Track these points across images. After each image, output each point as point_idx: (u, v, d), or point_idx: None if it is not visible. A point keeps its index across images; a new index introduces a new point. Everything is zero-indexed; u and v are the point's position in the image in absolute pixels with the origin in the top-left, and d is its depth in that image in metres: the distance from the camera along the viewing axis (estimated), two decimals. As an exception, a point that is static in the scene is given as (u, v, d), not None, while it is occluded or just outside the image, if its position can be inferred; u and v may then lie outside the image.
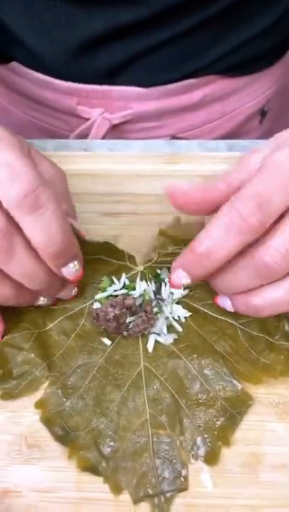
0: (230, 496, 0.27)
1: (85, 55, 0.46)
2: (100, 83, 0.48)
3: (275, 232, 0.26)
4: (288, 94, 0.56)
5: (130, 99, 0.49)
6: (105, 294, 0.33)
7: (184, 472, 0.27)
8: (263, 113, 0.54)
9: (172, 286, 0.29)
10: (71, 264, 0.29)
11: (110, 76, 0.48)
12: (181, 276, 0.28)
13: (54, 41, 0.45)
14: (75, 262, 0.29)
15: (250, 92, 0.52)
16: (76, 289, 0.32)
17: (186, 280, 0.28)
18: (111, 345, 0.31)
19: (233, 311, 0.29)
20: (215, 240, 0.26)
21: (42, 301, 0.32)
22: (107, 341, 0.31)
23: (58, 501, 0.27)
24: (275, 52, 0.52)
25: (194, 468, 0.28)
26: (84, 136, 0.50)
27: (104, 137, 0.50)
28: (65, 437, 0.28)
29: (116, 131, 0.51)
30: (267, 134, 0.55)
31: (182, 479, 0.27)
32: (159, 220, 0.39)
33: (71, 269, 0.29)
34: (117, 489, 0.27)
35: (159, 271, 0.34)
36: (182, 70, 0.48)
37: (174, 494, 0.27)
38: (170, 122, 0.52)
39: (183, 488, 0.27)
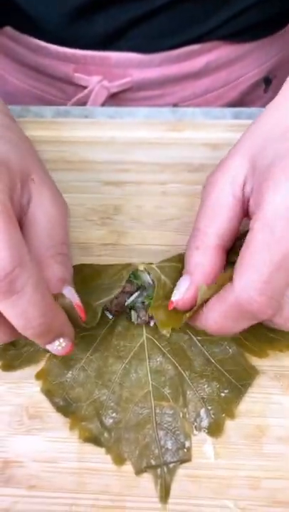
0: (233, 467, 0.27)
1: (81, 19, 0.44)
2: (98, 49, 0.46)
3: None
4: (294, 62, 0.54)
5: (130, 66, 0.47)
6: (132, 298, 0.31)
7: (187, 443, 0.27)
8: (267, 81, 0.52)
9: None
10: (56, 342, 0.27)
11: (108, 42, 0.46)
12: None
13: (49, 4, 0.44)
14: (61, 340, 0.27)
15: (254, 59, 0.50)
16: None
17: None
18: (113, 317, 0.31)
19: None
20: (222, 327, 0.26)
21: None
22: (109, 314, 0.31)
23: (59, 471, 0.27)
24: (279, 19, 0.50)
25: (197, 440, 0.28)
26: (81, 105, 0.48)
27: (102, 106, 0.48)
28: (66, 408, 0.28)
29: (115, 100, 0.49)
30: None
31: (185, 450, 0.27)
32: (163, 189, 0.38)
33: (56, 347, 0.27)
34: (119, 460, 0.27)
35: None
36: (184, 36, 0.47)
37: (176, 465, 0.27)
38: (172, 91, 0.50)
39: (186, 459, 0.27)
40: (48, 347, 0.27)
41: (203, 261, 0.27)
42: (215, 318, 0.26)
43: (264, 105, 0.54)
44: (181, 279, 0.28)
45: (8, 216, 0.24)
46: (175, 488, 0.26)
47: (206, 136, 0.41)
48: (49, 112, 0.43)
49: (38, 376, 0.29)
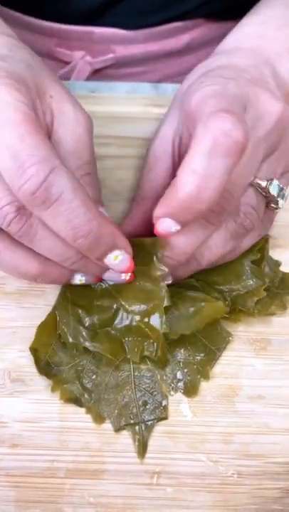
0: (207, 424, 0.29)
1: None
2: (81, 24, 0.47)
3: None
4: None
5: (113, 42, 0.49)
6: None
7: (164, 402, 0.29)
8: (251, 59, 0.54)
9: (160, 236, 0.27)
10: (111, 256, 0.26)
11: (92, 17, 0.47)
12: (169, 225, 0.26)
13: None
14: (117, 253, 0.26)
15: (238, 38, 0.52)
16: (128, 275, 0.28)
17: (175, 228, 0.26)
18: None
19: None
20: (201, 174, 0.23)
21: (79, 280, 0.29)
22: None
23: (41, 430, 0.29)
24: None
25: (174, 400, 0.30)
26: (64, 80, 0.49)
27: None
28: (48, 370, 0.30)
29: (98, 76, 0.51)
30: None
31: (162, 409, 0.29)
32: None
33: (112, 262, 0.26)
34: (99, 419, 0.29)
35: None
36: (168, 13, 0.48)
37: (153, 423, 0.29)
38: (155, 68, 0.51)
39: (163, 417, 0.29)
40: (106, 262, 0.26)
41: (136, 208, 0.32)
42: (199, 163, 0.24)
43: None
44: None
45: (35, 123, 0.24)
46: (152, 444, 0.29)
47: (187, 112, 0.43)
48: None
49: (38, 328, 0.31)
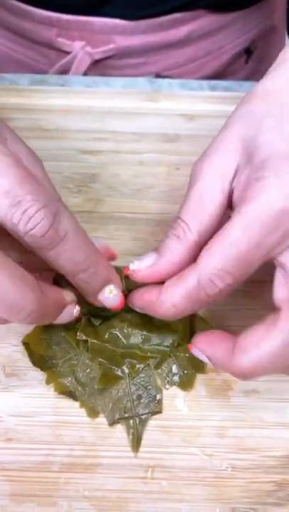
0: (202, 418, 0.30)
1: None
2: (82, 14, 0.48)
3: None
4: (274, 34, 0.57)
5: (113, 32, 0.50)
6: None
7: (158, 396, 0.30)
8: (248, 52, 0.55)
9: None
10: (107, 290, 0.28)
11: (92, 7, 0.48)
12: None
13: None
14: (111, 287, 0.28)
15: (236, 30, 0.53)
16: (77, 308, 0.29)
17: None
18: None
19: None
20: (175, 307, 0.26)
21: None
22: None
23: (36, 425, 0.30)
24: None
25: (169, 394, 0.31)
26: (64, 71, 0.50)
27: (85, 73, 0.51)
28: (42, 363, 0.31)
29: (98, 67, 0.52)
30: (252, 75, 0.57)
31: (156, 403, 0.30)
32: (140, 159, 0.41)
33: (107, 295, 0.28)
34: (93, 413, 0.30)
35: None
36: (168, 4, 0.49)
37: (148, 416, 0.30)
38: (155, 59, 0.53)
39: (157, 411, 0.30)
40: (100, 297, 0.28)
41: (179, 249, 0.27)
42: (174, 300, 0.26)
43: (245, 77, 0.57)
44: (148, 254, 0.28)
45: (24, 167, 0.25)
46: (147, 438, 0.30)
47: (183, 107, 0.44)
48: (25, 79, 0.45)
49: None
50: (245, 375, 0.26)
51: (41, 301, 0.25)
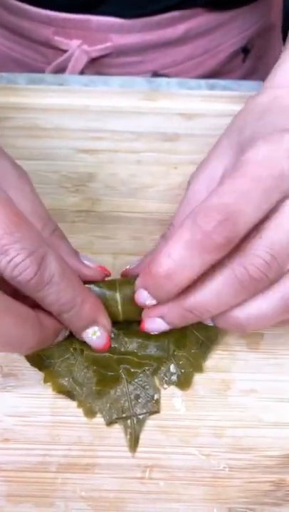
0: (199, 418, 0.30)
1: None
2: (79, 13, 0.48)
3: (254, 236, 0.24)
4: (271, 33, 0.57)
5: (110, 30, 0.50)
6: None
7: (156, 396, 0.30)
8: (246, 51, 0.55)
9: (137, 304, 0.28)
10: (90, 331, 0.28)
11: (89, 6, 0.48)
12: (144, 296, 0.27)
13: None
14: (95, 328, 0.28)
15: (233, 28, 0.53)
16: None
17: (150, 301, 0.27)
18: None
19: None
20: (175, 261, 0.24)
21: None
22: None
23: (33, 425, 0.30)
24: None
25: (167, 394, 0.31)
26: (61, 70, 0.51)
27: (82, 72, 0.51)
28: (40, 363, 0.31)
29: (95, 65, 0.52)
30: (250, 74, 0.57)
31: (154, 402, 0.30)
32: (138, 158, 0.41)
33: (90, 336, 0.29)
34: (90, 413, 0.30)
35: None
36: (165, 2, 0.49)
37: (145, 416, 0.30)
38: (152, 57, 0.53)
39: (154, 411, 0.30)
40: (84, 336, 0.29)
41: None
42: (177, 250, 0.24)
43: (242, 75, 0.57)
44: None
45: (13, 205, 0.25)
46: (144, 438, 0.30)
47: (181, 106, 0.44)
48: (22, 78, 0.45)
49: None
50: (193, 311, 0.26)
51: (41, 334, 0.26)
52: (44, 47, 0.51)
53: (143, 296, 0.27)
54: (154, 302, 0.27)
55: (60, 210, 0.38)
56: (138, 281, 0.27)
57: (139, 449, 0.29)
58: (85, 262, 0.30)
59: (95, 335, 0.29)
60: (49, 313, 0.28)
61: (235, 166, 0.25)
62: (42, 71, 0.52)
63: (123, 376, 0.31)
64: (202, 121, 0.44)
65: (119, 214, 0.38)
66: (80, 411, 0.30)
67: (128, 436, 0.30)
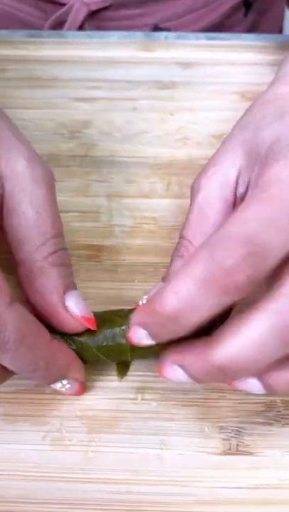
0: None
1: None
2: None
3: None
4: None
5: None
6: None
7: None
8: (248, 4, 0.56)
9: (130, 343, 0.25)
10: (58, 384, 0.28)
11: None
12: (140, 335, 0.24)
13: None
14: (64, 382, 0.27)
15: (234, -20, 0.54)
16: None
17: (147, 341, 0.24)
18: None
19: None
20: (185, 300, 0.21)
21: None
22: None
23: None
24: None
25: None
26: (60, 23, 0.52)
27: (82, 25, 0.52)
28: None
29: (94, 19, 0.53)
30: (251, 29, 0.57)
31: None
32: (134, 105, 0.42)
33: (60, 388, 0.28)
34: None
35: None
36: None
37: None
38: (152, 10, 0.54)
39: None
40: (53, 387, 0.28)
41: None
42: (186, 287, 0.21)
43: (244, 31, 0.58)
44: (158, 284, 0.27)
45: None
46: (137, 363, 0.31)
47: (178, 55, 0.45)
48: (20, 35, 0.47)
49: None
50: (223, 370, 0.22)
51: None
52: (43, 1, 0.53)
53: (139, 335, 0.24)
54: (152, 343, 0.24)
55: (54, 155, 0.39)
56: (134, 317, 0.24)
57: (131, 373, 0.31)
58: (70, 304, 0.26)
59: (64, 387, 0.28)
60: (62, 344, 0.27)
61: (260, 185, 0.22)
62: (41, 29, 0.54)
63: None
64: (199, 70, 0.45)
65: (114, 159, 0.39)
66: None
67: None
